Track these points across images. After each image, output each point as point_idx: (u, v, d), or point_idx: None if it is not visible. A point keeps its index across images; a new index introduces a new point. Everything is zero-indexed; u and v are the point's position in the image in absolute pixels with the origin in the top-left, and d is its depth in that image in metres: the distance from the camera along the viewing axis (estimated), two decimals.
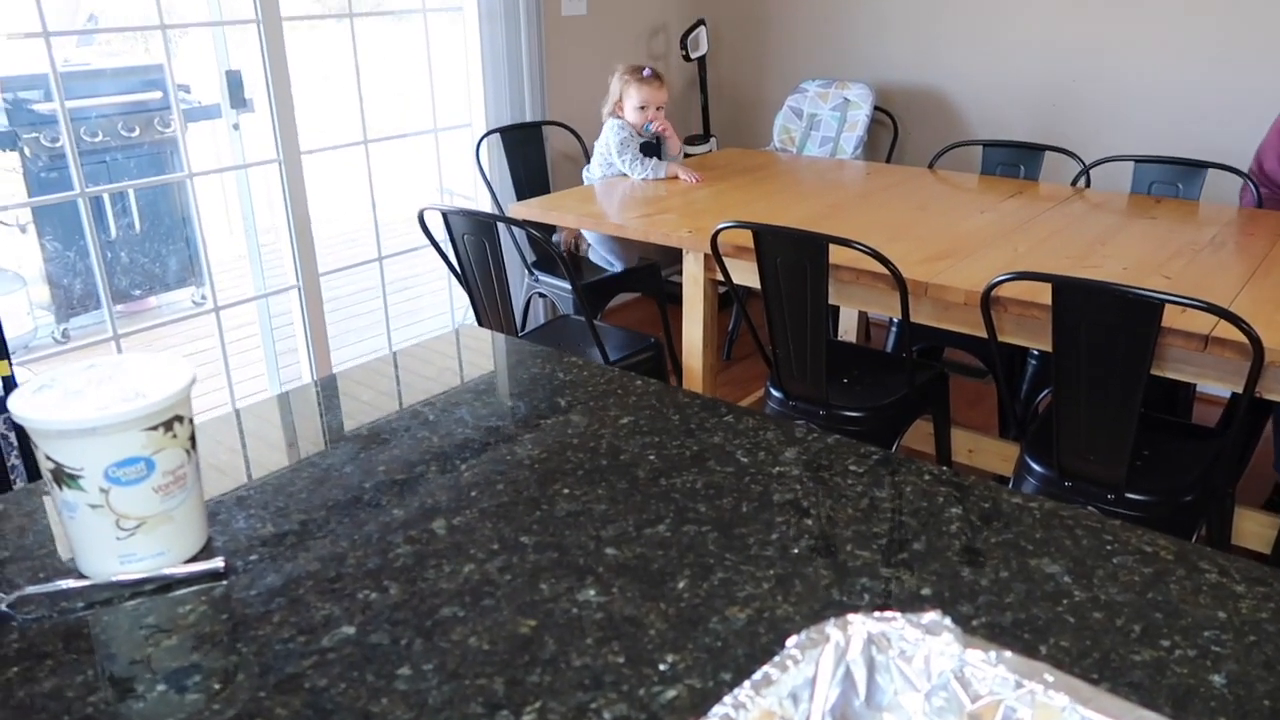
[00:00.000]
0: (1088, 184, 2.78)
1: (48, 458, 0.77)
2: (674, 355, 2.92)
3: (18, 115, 3.46)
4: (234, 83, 2.84)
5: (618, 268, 3.07)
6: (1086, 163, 2.76)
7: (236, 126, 2.89)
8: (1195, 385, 2.41)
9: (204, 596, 0.79)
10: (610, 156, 2.90)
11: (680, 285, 2.43)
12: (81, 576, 0.81)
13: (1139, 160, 2.69)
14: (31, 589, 0.79)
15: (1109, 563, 0.81)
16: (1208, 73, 2.95)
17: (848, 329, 3.11)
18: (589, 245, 3.11)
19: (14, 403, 0.76)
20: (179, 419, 0.81)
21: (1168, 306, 1.55)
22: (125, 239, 3.85)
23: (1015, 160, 2.92)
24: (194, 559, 0.84)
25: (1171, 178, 2.64)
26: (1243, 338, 1.54)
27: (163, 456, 0.80)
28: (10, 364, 1.85)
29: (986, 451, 2.48)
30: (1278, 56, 2.78)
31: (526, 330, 2.98)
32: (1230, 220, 2.30)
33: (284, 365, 3.21)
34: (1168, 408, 2.45)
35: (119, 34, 4.34)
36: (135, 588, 0.80)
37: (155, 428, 0.79)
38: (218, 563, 0.82)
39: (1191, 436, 1.96)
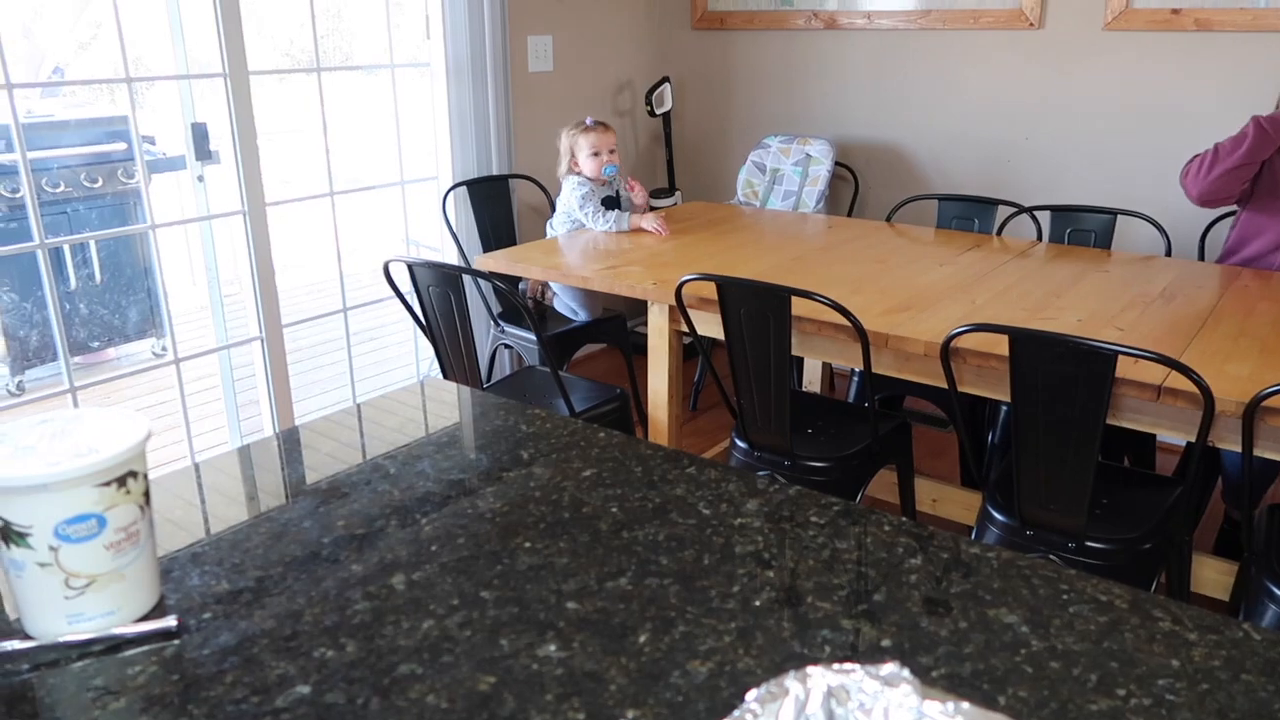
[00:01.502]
0: (1039, 234, 2.86)
1: None
2: (640, 406, 2.92)
3: None
4: (199, 135, 2.84)
5: (583, 316, 3.09)
6: (1033, 215, 2.85)
7: (201, 178, 2.88)
8: (1155, 435, 2.45)
9: (155, 657, 0.77)
10: (574, 213, 2.93)
11: (645, 336, 2.45)
12: (27, 637, 0.79)
13: (1053, 209, 2.84)
14: None
15: (1065, 612, 0.82)
16: (1150, 129, 3.06)
17: (812, 380, 3.14)
18: (554, 294, 3.13)
19: None
20: (133, 474, 0.80)
21: (1121, 357, 1.59)
22: (85, 290, 3.80)
23: (970, 214, 2.99)
24: (145, 618, 0.82)
25: (1092, 225, 2.79)
26: (1194, 388, 1.57)
27: (115, 513, 0.79)
28: None
29: (950, 501, 2.50)
30: (1212, 116, 2.89)
31: (492, 382, 2.97)
32: (1180, 274, 2.37)
33: (245, 417, 3.17)
34: (1136, 458, 2.49)
35: (84, 85, 4.34)
36: (83, 648, 0.78)
37: (108, 484, 0.78)
38: (170, 621, 0.81)
39: (1150, 484, 1.99)
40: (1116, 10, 3.02)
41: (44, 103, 4.10)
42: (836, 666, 0.62)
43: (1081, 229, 2.80)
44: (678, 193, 3.95)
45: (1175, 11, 2.92)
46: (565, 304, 3.10)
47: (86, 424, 0.82)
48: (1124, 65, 3.07)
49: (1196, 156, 2.38)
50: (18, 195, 3.36)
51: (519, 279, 2.99)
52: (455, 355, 2.35)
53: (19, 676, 0.75)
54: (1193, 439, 1.68)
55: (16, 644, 0.78)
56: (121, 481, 0.79)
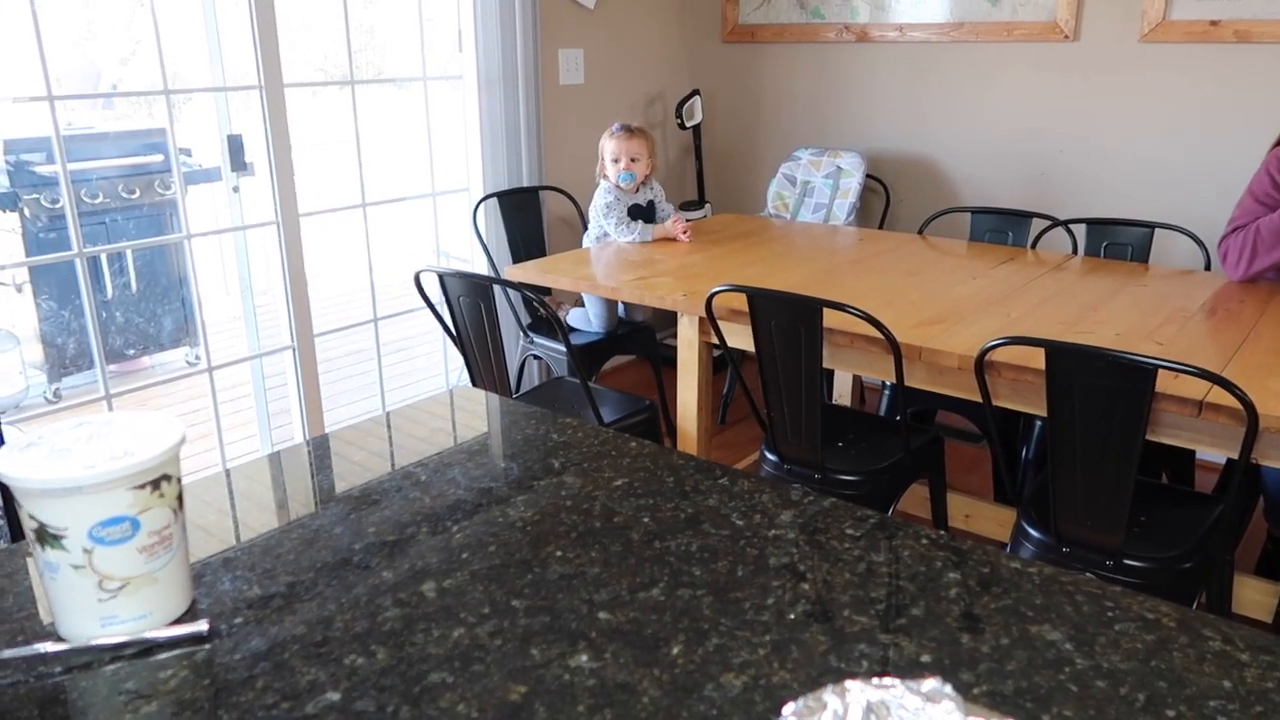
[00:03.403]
0: (1074, 248, 2.82)
1: (31, 516, 0.76)
2: (669, 418, 2.91)
3: (20, 177, 3.49)
4: (235, 146, 2.87)
5: (595, 327, 3.08)
6: (1068, 228, 2.81)
7: (236, 189, 2.92)
8: (1195, 451, 2.40)
9: (186, 661, 0.77)
10: (599, 218, 2.94)
11: (674, 348, 2.43)
12: (60, 640, 0.79)
13: (1089, 222, 2.80)
14: (8, 653, 0.77)
15: (1110, 630, 0.80)
16: (1188, 142, 3.01)
17: (842, 392, 3.11)
18: (568, 309, 3.14)
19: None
20: (166, 478, 0.80)
21: (1161, 372, 1.55)
22: (121, 299, 3.85)
23: (1003, 227, 2.96)
24: (178, 621, 0.82)
25: (1128, 239, 2.74)
26: (1237, 404, 1.54)
27: (149, 516, 0.79)
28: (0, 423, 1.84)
29: (983, 516, 2.46)
30: (1251, 129, 2.84)
31: (521, 392, 2.97)
32: (1220, 288, 2.32)
33: (276, 426, 3.19)
34: (1175, 474, 2.44)
35: (124, 98, 4.41)
36: (116, 651, 0.78)
37: (142, 486, 0.78)
38: (201, 625, 0.81)
39: (1189, 502, 1.94)
40: (1154, 22, 2.98)
41: (85, 115, 4.18)
42: (876, 681, 0.60)
43: (1118, 242, 2.76)
44: (708, 205, 3.94)
45: (1214, 23, 2.88)
46: (584, 316, 3.10)
47: (121, 427, 0.82)
48: (1161, 78, 3.03)
49: (1236, 230, 2.30)
50: (58, 206, 3.42)
51: (549, 290, 3.00)
52: (485, 365, 2.35)
53: (52, 679, 0.75)
54: (1234, 456, 1.64)
55: (50, 646, 0.78)
56: (155, 485, 0.79)
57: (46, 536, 0.76)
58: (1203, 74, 2.95)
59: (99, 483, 0.75)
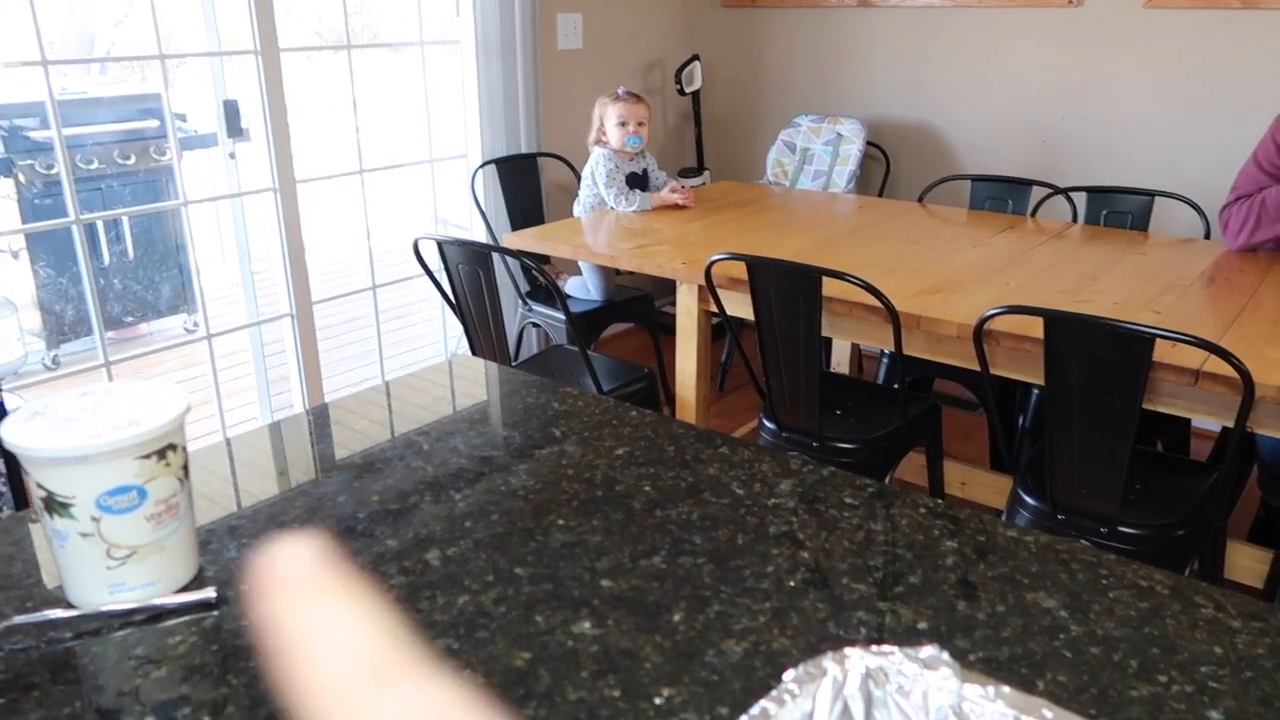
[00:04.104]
0: (1074, 216, 2.81)
1: (39, 485, 0.76)
2: (667, 386, 2.92)
3: (14, 142, 3.47)
4: (231, 112, 2.85)
5: (593, 295, 3.08)
6: (1068, 196, 2.80)
7: (233, 155, 2.90)
8: (1190, 420, 2.42)
9: (194, 627, 0.78)
10: (596, 187, 2.92)
11: (672, 316, 2.44)
12: (70, 606, 0.80)
13: (1089, 191, 2.79)
14: (19, 619, 0.78)
15: (1105, 597, 0.81)
16: (1191, 110, 3.00)
17: (840, 361, 3.12)
18: (567, 277, 3.14)
19: (6, 430, 0.76)
20: (172, 447, 0.81)
21: (1159, 341, 1.56)
22: (118, 266, 3.84)
23: (1003, 195, 2.95)
24: (185, 589, 0.83)
25: (1128, 207, 2.73)
26: (1233, 373, 1.55)
27: (155, 485, 0.79)
28: (0, 391, 1.84)
29: (979, 484, 2.48)
30: (1256, 97, 2.83)
31: (520, 360, 2.98)
32: (1219, 257, 2.32)
33: (275, 393, 3.20)
34: (1170, 442, 2.46)
35: (117, 63, 4.37)
36: (125, 618, 0.79)
37: (148, 456, 0.78)
38: (209, 593, 0.82)
39: (1184, 470, 1.96)
40: None
41: (78, 80, 4.14)
42: (875, 648, 0.62)
43: (1118, 211, 2.76)
44: (707, 172, 3.92)
45: None
46: (581, 284, 3.10)
47: (126, 397, 0.82)
48: (1165, 44, 3.00)
49: (1239, 199, 2.28)
50: (53, 171, 3.40)
51: (547, 258, 2.99)
52: (484, 333, 2.36)
53: (62, 644, 0.76)
54: (1230, 424, 1.65)
55: (60, 613, 0.79)
56: (161, 454, 0.79)
57: (55, 505, 0.77)
58: (1207, 41, 2.93)
59: (106, 452, 0.75)
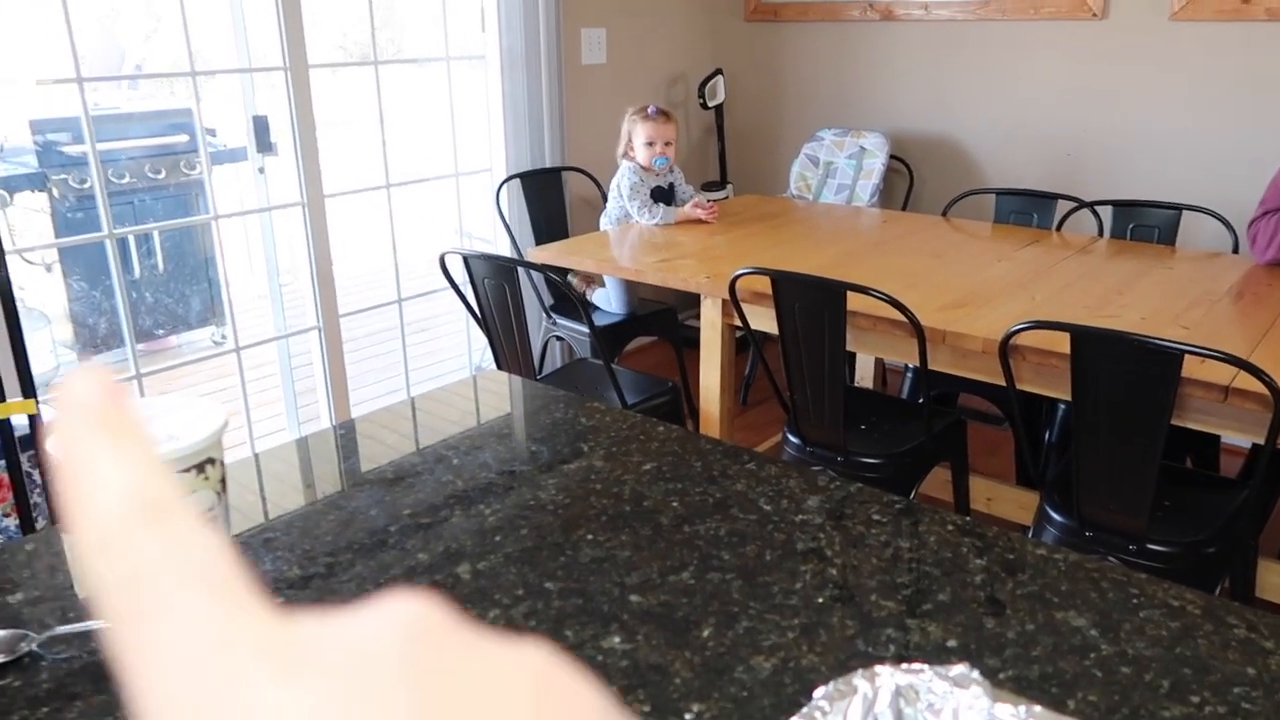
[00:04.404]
0: (1100, 230, 2.80)
1: None
2: (691, 400, 2.92)
3: (48, 157, 3.53)
4: (260, 127, 2.89)
5: (617, 309, 3.09)
6: (1094, 210, 2.79)
7: (261, 170, 2.94)
8: (1220, 436, 2.39)
9: None
10: (621, 200, 2.94)
11: (696, 330, 2.44)
12: None
13: (1115, 204, 2.77)
14: (61, 629, 0.79)
15: (1136, 616, 0.81)
16: (1218, 123, 2.98)
17: (864, 375, 3.11)
18: (595, 288, 3.15)
19: (51, 445, 0.78)
20: (211, 461, 0.82)
21: (1187, 357, 1.55)
22: (149, 279, 3.90)
23: (1028, 208, 2.94)
24: None
25: (1155, 221, 2.72)
26: (1263, 389, 1.53)
27: (193, 499, 0.81)
28: (37, 403, 1.88)
29: (1004, 500, 2.46)
30: (1274, 109, 2.81)
31: (544, 373, 2.99)
32: (1247, 271, 2.30)
33: (303, 405, 3.23)
34: (1199, 458, 2.43)
35: (149, 79, 4.44)
36: None
37: (188, 470, 0.80)
38: None
39: (1214, 487, 1.94)
40: (1184, 0, 2.94)
41: (110, 95, 4.21)
42: (905, 666, 0.62)
43: (1144, 225, 2.74)
44: (730, 186, 3.94)
45: (1246, 1, 2.84)
46: (605, 297, 3.11)
47: (166, 412, 0.84)
48: (1191, 57, 2.99)
49: (1267, 213, 2.26)
50: (86, 186, 3.46)
51: (571, 271, 3.01)
52: (509, 346, 2.37)
53: (104, 654, 0.78)
54: (1260, 441, 1.64)
55: (102, 623, 0.80)
56: (200, 468, 0.81)
57: None
58: (1234, 53, 2.91)
59: None
